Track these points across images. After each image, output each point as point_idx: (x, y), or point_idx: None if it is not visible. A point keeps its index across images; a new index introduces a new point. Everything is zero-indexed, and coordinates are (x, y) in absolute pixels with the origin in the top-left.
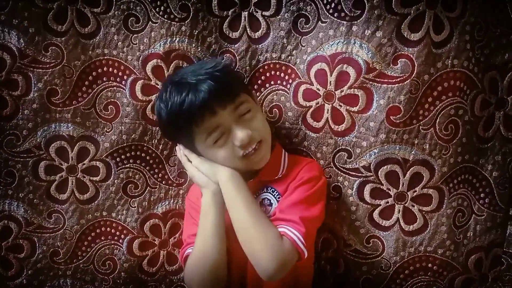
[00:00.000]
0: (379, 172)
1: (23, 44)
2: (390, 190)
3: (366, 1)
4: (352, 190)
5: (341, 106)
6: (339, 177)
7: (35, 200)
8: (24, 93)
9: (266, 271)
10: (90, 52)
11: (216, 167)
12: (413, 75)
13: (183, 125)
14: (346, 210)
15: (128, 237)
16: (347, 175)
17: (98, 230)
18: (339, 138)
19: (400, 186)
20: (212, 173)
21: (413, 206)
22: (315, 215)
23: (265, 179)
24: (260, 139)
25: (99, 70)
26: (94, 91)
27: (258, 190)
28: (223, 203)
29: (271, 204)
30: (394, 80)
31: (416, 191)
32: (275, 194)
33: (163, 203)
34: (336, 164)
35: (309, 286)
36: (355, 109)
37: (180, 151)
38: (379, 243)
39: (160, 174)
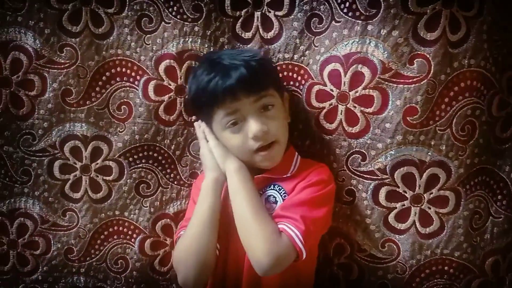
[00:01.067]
0: (395, 175)
1: (39, 45)
2: (406, 193)
3: (382, 0)
4: (367, 193)
5: (355, 107)
6: (352, 180)
7: (50, 198)
8: (40, 93)
9: (261, 264)
10: (103, 52)
11: (228, 156)
12: (429, 75)
13: (206, 103)
14: (360, 214)
15: (140, 236)
16: (361, 178)
17: (110, 229)
18: (353, 140)
19: (417, 188)
20: (223, 160)
21: (430, 209)
22: (318, 216)
23: (273, 176)
24: (274, 140)
25: (113, 71)
26: (107, 91)
27: (264, 186)
28: (221, 191)
29: (276, 202)
30: (410, 80)
31: (432, 193)
32: (281, 192)
33: (175, 203)
34: (350, 167)
35: None
36: (370, 110)
37: (200, 128)
38: (395, 246)
39: (172, 174)
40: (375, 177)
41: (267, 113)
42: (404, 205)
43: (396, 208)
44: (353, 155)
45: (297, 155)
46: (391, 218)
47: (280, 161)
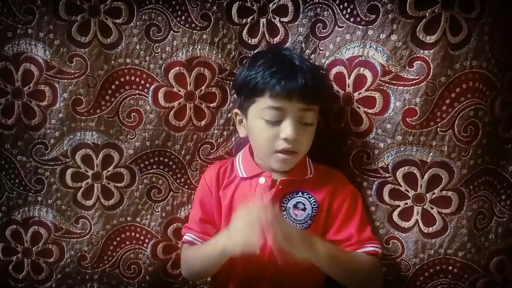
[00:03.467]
0: (397, 174)
1: (49, 56)
2: (408, 192)
3: (380, 6)
4: (371, 190)
5: (359, 108)
6: (357, 178)
7: (63, 206)
8: (51, 103)
9: None
10: (112, 61)
11: (312, 242)
12: (429, 77)
13: (259, 87)
14: (366, 211)
15: (152, 241)
16: (365, 176)
17: (123, 235)
18: (358, 139)
19: (419, 188)
20: (306, 248)
21: (432, 208)
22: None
23: (295, 178)
24: (297, 152)
25: (122, 79)
26: (117, 99)
27: (290, 192)
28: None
29: (304, 209)
30: (410, 83)
31: (435, 193)
32: (311, 201)
33: (186, 207)
34: (355, 165)
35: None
36: (372, 111)
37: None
38: (399, 244)
39: (182, 179)
40: (378, 175)
41: (305, 126)
42: (407, 203)
43: (399, 206)
44: (359, 154)
45: (308, 158)
46: (395, 215)
47: (295, 164)
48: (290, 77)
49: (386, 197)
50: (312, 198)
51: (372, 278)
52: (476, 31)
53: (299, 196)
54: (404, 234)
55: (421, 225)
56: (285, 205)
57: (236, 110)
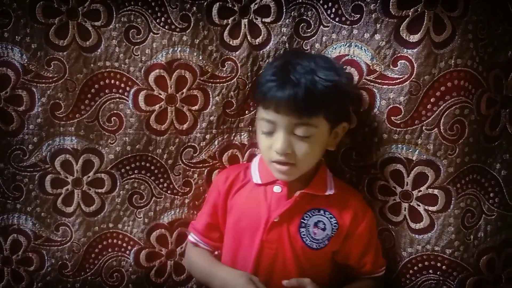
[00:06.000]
0: (384, 170)
1: (26, 60)
2: (395, 188)
3: (364, 6)
4: (362, 186)
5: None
6: (347, 175)
7: (42, 214)
8: (28, 108)
9: None
10: (92, 65)
11: None
12: (412, 76)
13: (257, 96)
14: None
15: (135, 248)
16: (354, 172)
17: (105, 242)
18: (347, 136)
19: (405, 185)
20: None
21: (419, 206)
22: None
23: (314, 192)
24: (294, 163)
25: (101, 83)
26: (96, 103)
27: (312, 207)
28: None
29: (324, 229)
30: (394, 82)
31: (421, 190)
32: (332, 222)
33: (169, 212)
34: (344, 161)
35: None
36: (360, 109)
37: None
38: (391, 236)
39: (165, 183)
40: (368, 172)
41: (300, 138)
42: (395, 200)
43: (388, 202)
44: (348, 151)
45: (329, 172)
46: (385, 210)
47: (315, 178)
48: (279, 90)
49: (376, 193)
50: (334, 219)
51: None
52: (460, 29)
53: (321, 215)
54: (395, 228)
55: (409, 221)
56: (305, 221)
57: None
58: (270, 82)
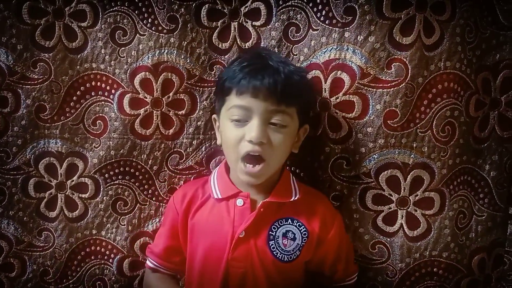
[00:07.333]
0: (379, 178)
1: (12, 61)
2: (392, 196)
3: (357, 7)
4: (354, 197)
5: (337, 113)
6: (337, 186)
7: (25, 218)
8: (13, 110)
9: None
10: (78, 67)
11: None
12: (407, 79)
13: (229, 83)
14: (349, 218)
15: (118, 256)
16: (345, 183)
17: (87, 249)
18: (337, 145)
19: (402, 191)
20: None
21: (416, 211)
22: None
23: (279, 200)
24: (265, 160)
25: (87, 85)
26: (82, 106)
27: (277, 217)
28: None
29: (294, 239)
30: (389, 84)
31: (418, 195)
32: (301, 230)
33: (154, 220)
34: (334, 173)
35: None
36: (351, 115)
37: None
38: (385, 249)
39: (150, 190)
40: (360, 181)
41: (277, 128)
42: (390, 208)
43: (383, 211)
44: (338, 161)
45: (292, 177)
46: (379, 221)
47: (278, 184)
48: (258, 74)
49: (369, 203)
50: (303, 227)
51: None
52: (448, 32)
53: (289, 224)
54: (389, 239)
55: (405, 229)
56: (274, 233)
57: (213, 115)
58: (247, 67)
